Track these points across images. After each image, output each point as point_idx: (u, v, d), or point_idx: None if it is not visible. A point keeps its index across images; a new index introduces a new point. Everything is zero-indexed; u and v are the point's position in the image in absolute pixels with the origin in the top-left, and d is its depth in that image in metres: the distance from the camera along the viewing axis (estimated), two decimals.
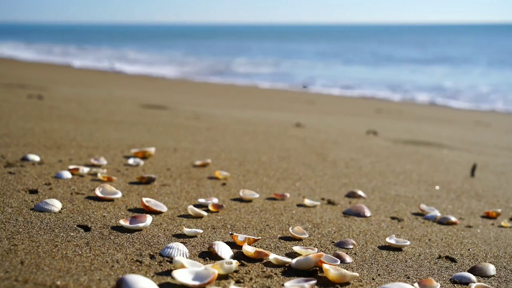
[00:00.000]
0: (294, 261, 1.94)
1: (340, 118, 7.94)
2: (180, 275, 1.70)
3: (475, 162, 4.47)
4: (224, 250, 2.00)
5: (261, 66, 23.46)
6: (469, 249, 2.38)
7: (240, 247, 2.10)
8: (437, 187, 3.56)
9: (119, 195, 2.61)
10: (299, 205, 2.84)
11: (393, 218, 2.77)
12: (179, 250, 1.96)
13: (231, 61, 26.10)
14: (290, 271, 1.92)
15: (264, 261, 1.99)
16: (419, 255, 2.24)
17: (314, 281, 1.77)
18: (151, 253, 1.95)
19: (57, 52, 29.18)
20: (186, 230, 2.20)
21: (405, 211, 2.92)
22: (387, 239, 2.32)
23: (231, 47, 39.13)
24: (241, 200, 2.84)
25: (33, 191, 2.58)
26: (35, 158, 3.24)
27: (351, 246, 2.26)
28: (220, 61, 26.07)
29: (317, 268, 1.95)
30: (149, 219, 2.25)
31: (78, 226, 2.18)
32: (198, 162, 3.55)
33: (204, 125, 5.49)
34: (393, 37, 64.04)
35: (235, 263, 1.82)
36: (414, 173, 3.93)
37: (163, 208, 2.50)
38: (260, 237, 2.24)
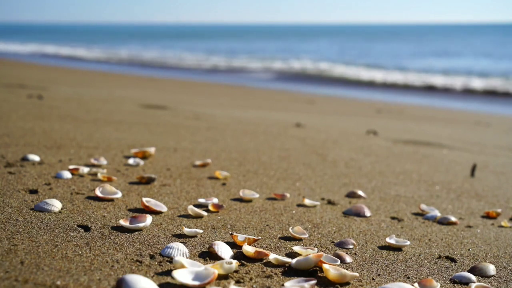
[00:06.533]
0: (294, 261, 1.94)
1: (340, 118, 7.94)
2: (180, 275, 1.70)
3: (475, 162, 4.47)
4: (224, 250, 2.00)
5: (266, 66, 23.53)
6: (469, 249, 2.38)
7: (240, 247, 2.10)
8: (437, 187, 3.56)
9: (119, 195, 2.61)
10: (299, 205, 2.84)
11: (393, 218, 2.77)
12: (179, 250, 1.96)
13: (232, 61, 26.11)
14: (290, 271, 1.92)
15: (264, 261, 1.99)
16: (419, 255, 2.24)
17: (314, 281, 1.77)
18: (151, 253, 1.95)
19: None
20: (186, 230, 2.20)
21: (405, 211, 2.92)
22: (387, 239, 2.32)
23: (231, 47, 39.11)
24: (241, 200, 2.84)
25: (33, 191, 2.58)
26: (35, 158, 3.24)
27: (351, 246, 2.26)
28: (221, 61, 26.08)
29: (317, 268, 1.95)
30: (149, 219, 2.25)
31: (78, 226, 2.18)
32: (198, 162, 3.55)
33: (204, 125, 5.49)
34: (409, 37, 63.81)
35: (235, 263, 1.82)
36: (414, 173, 3.93)
37: (163, 208, 2.50)
38: (260, 237, 2.24)
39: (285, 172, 3.61)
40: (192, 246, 2.09)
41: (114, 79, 14.18)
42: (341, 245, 2.26)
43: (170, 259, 1.91)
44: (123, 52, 31.35)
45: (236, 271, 1.85)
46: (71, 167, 3.01)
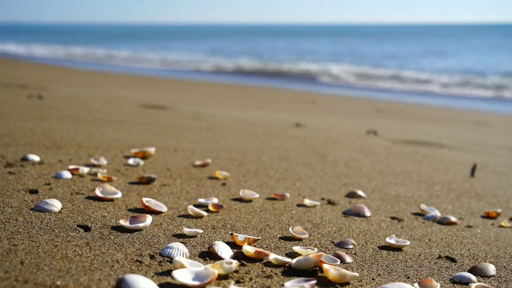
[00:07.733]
0: (294, 261, 1.94)
1: (340, 118, 7.94)
2: (180, 275, 1.70)
3: (475, 162, 4.47)
4: (224, 250, 2.00)
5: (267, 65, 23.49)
6: (469, 249, 2.38)
7: (240, 247, 2.10)
8: (437, 187, 3.56)
9: (119, 195, 2.61)
10: (299, 205, 2.84)
11: (393, 218, 2.77)
12: (179, 250, 1.96)
13: (233, 60, 26.12)
14: (290, 271, 1.92)
15: (264, 261, 1.99)
16: (419, 255, 2.24)
17: (314, 281, 1.77)
18: (151, 253, 1.95)
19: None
20: (186, 230, 2.20)
21: (405, 211, 2.92)
22: (387, 239, 2.32)
23: (233, 47, 39.13)
24: (241, 200, 2.84)
25: (33, 191, 2.58)
26: (35, 158, 3.24)
27: (351, 246, 2.26)
28: (221, 61, 26.08)
29: (317, 268, 1.95)
30: (149, 219, 2.25)
31: (78, 226, 2.18)
32: (198, 162, 3.55)
33: (204, 125, 5.49)
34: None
35: (235, 263, 1.82)
36: (414, 173, 3.93)
37: (163, 208, 2.50)
38: (260, 237, 2.24)
39: (285, 172, 3.61)
40: (192, 246, 2.09)
41: (114, 79, 14.18)
42: (341, 245, 2.26)
43: (170, 259, 1.91)
44: (172, 56, 29.30)
45: (236, 271, 1.85)
46: (71, 167, 3.01)
